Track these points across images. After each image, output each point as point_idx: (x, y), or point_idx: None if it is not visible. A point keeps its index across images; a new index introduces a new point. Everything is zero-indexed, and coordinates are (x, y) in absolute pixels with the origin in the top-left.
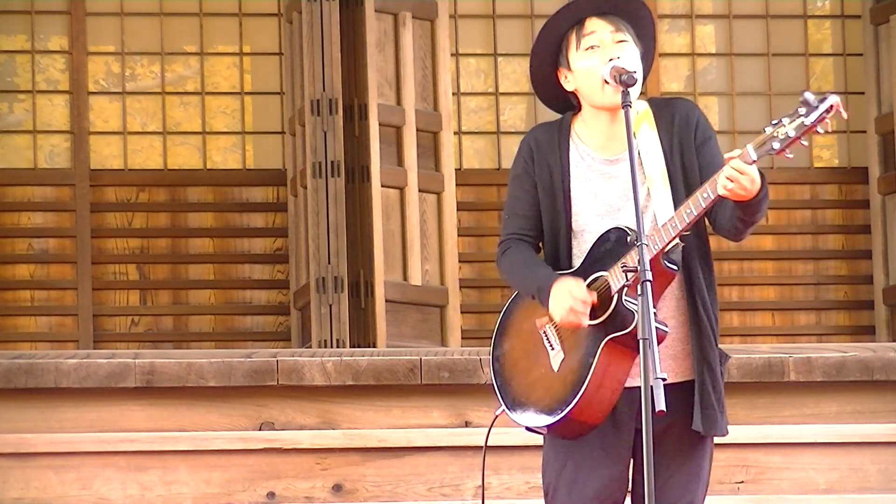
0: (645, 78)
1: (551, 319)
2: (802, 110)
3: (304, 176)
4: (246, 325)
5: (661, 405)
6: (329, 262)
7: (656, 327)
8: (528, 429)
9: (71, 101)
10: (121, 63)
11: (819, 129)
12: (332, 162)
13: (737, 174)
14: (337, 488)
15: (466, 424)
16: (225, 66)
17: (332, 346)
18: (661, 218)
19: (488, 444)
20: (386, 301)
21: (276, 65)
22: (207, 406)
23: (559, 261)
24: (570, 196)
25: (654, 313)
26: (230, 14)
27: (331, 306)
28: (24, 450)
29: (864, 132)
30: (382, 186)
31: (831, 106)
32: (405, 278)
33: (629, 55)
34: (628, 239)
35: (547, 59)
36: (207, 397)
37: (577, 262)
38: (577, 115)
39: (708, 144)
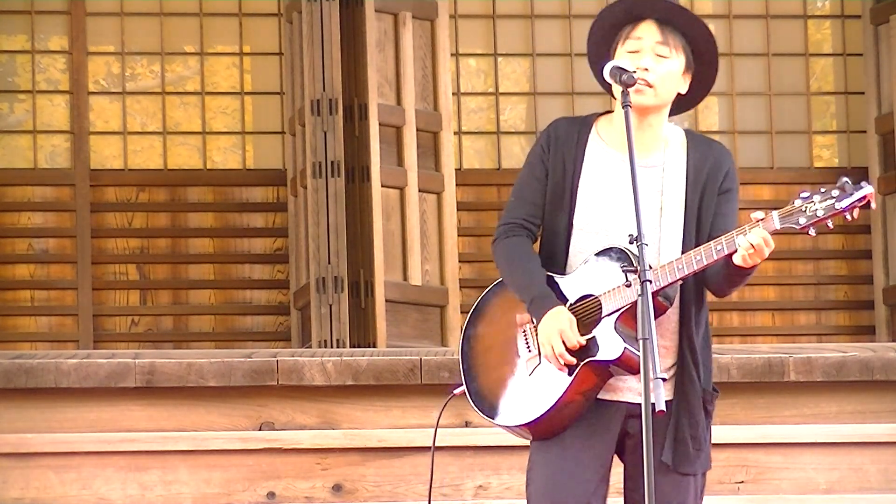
0: (703, 96)
1: (532, 320)
2: (836, 192)
3: (304, 176)
4: (246, 325)
5: (661, 405)
6: (329, 262)
7: (628, 350)
8: (488, 418)
9: (71, 101)
10: (121, 63)
11: (848, 215)
12: (332, 162)
13: (762, 244)
14: (337, 488)
15: (466, 424)
16: (225, 66)
17: (332, 346)
18: (667, 247)
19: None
20: (386, 301)
21: (276, 65)
22: (207, 406)
23: (555, 255)
24: (576, 193)
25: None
26: (230, 14)
27: (331, 306)
28: (24, 450)
29: (864, 132)
30: (382, 186)
31: (864, 196)
32: (405, 278)
33: (662, 69)
34: (630, 265)
35: (603, 43)
36: (207, 397)
37: (574, 259)
38: (605, 114)
39: (730, 195)
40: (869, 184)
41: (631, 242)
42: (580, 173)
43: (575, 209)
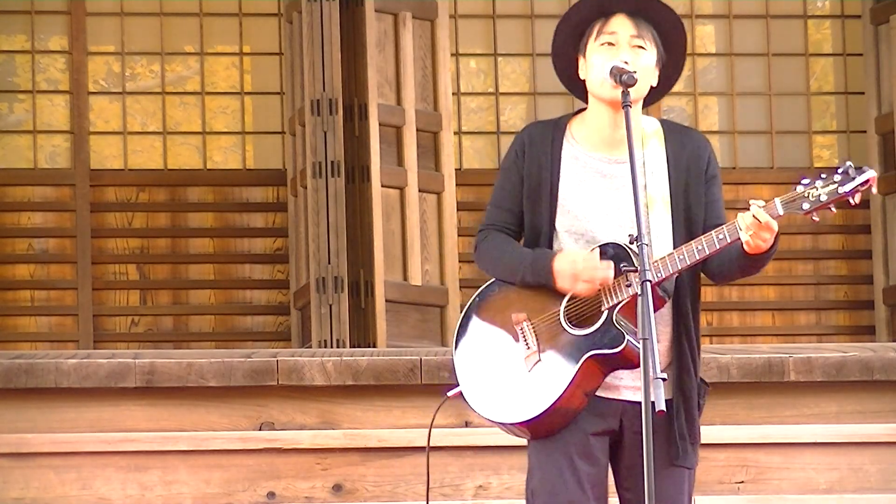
0: (671, 87)
1: (528, 318)
2: (838, 177)
3: (304, 176)
4: (246, 325)
5: (660, 405)
6: (329, 262)
7: (630, 343)
8: (486, 416)
9: (71, 101)
10: (121, 63)
11: (851, 199)
12: (332, 162)
13: (756, 224)
14: (337, 488)
15: (466, 424)
16: (225, 66)
17: (332, 346)
18: (657, 240)
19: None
20: (386, 301)
21: (276, 65)
22: (207, 406)
23: None
24: (556, 195)
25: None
26: (230, 14)
27: (331, 306)
28: (24, 450)
29: (864, 132)
30: (382, 186)
31: (867, 180)
32: (405, 278)
33: (641, 62)
34: (628, 263)
35: (570, 40)
36: (207, 397)
37: None
38: (578, 114)
39: (715, 182)
40: (871, 168)
41: (631, 242)
42: (558, 176)
43: (556, 213)
